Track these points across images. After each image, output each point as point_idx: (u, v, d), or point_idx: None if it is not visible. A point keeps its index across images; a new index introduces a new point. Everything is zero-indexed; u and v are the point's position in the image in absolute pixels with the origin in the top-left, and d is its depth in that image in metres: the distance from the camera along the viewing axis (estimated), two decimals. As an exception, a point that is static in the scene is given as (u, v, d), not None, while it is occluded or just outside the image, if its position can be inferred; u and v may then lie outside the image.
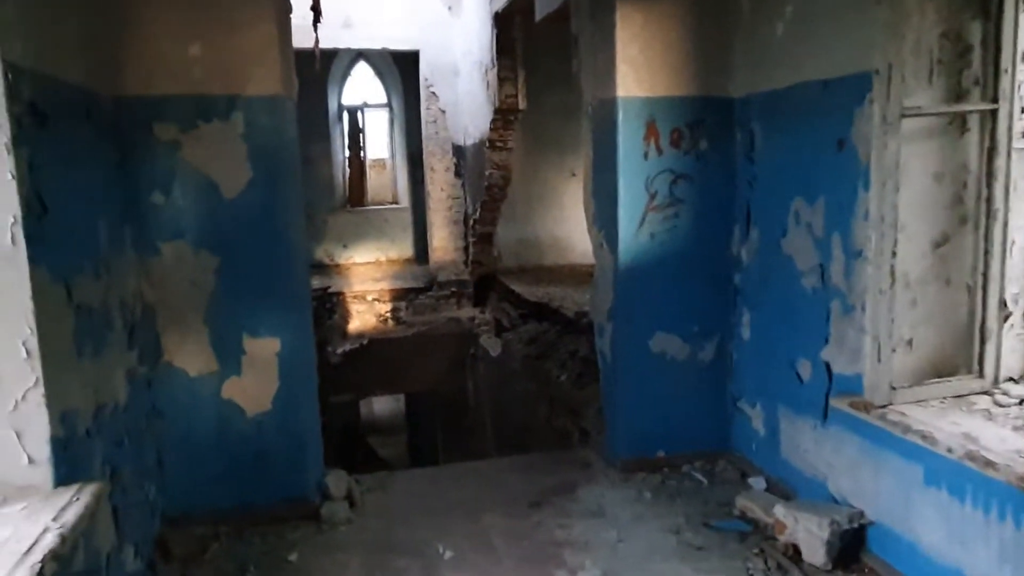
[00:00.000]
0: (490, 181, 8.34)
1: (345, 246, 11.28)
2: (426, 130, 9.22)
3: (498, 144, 8.09)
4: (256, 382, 3.52)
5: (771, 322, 3.62)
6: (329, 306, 8.89)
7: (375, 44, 9.11)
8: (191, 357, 3.44)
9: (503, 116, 7.76)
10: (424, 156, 9.43)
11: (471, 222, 9.07)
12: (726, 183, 3.84)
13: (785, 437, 3.54)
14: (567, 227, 9.46)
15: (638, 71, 3.68)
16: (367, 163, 11.84)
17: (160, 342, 3.39)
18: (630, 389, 3.93)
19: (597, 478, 3.87)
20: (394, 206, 11.78)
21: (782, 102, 3.44)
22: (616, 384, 3.97)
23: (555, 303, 7.40)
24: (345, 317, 8.90)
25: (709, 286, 3.90)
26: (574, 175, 9.48)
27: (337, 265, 11.07)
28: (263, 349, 3.51)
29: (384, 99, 11.75)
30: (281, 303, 3.53)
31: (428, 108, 9.14)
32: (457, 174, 9.30)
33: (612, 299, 3.92)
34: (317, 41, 7.58)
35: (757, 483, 3.70)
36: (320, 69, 9.48)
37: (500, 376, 8.09)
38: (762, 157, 3.63)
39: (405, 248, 11.51)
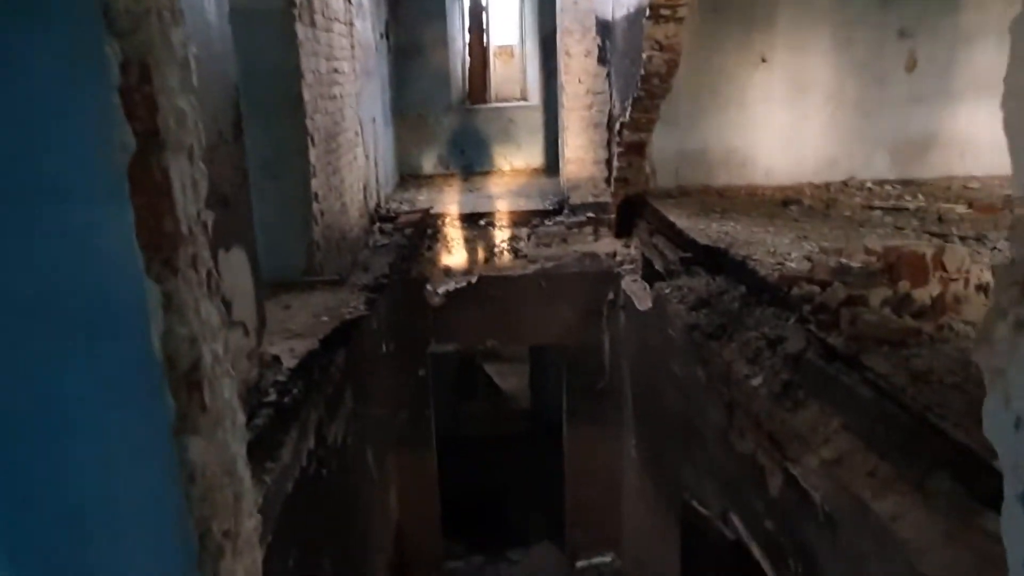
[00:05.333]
0: (648, 68, 5.29)
1: (462, 151, 8.63)
2: (562, -2, 6.20)
3: (664, 12, 4.99)
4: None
5: None
6: (431, 232, 6.38)
7: None
8: None
9: (676, -35, 4.66)
10: (558, 35, 6.45)
11: (617, 126, 6.12)
12: None
13: None
14: (749, 135, 6.29)
15: None
16: (491, 51, 8.94)
17: None
18: None
19: None
20: (522, 103, 8.93)
21: None
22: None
23: (737, 250, 4.46)
24: (449, 246, 6.37)
25: None
26: (764, 61, 6.23)
27: (450, 175, 8.47)
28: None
29: (513, -32, 8.70)
30: None
31: (566, -34, 6.08)
32: (601, 60, 6.28)
33: None
34: None
35: None
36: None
37: (648, 339, 5.35)
38: None
39: (534, 155, 8.72)
